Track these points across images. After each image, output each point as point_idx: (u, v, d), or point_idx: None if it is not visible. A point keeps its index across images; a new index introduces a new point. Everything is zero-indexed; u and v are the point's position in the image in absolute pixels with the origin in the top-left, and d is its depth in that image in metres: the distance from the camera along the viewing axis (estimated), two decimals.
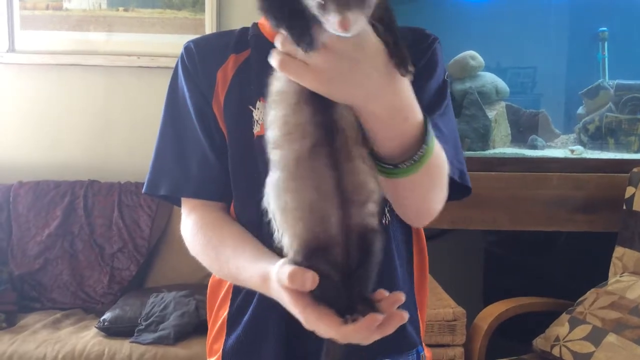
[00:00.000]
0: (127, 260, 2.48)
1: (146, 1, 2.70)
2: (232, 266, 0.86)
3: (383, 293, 0.70)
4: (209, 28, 2.67)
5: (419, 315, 1.04)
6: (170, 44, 2.70)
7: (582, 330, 1.84)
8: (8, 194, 2.53)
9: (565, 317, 1.94)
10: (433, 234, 2.53)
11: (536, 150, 2.46)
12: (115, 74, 2.72)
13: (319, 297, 0.67)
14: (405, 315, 0.67)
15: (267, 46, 0.87)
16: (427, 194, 0.82)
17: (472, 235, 2.61)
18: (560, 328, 1.91)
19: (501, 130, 2.48)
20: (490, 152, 2.41)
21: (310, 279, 0.65)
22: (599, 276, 2.10)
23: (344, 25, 0.59)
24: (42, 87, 2.73)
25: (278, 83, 0.68)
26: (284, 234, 0.69)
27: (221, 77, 0.94)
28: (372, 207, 0.69)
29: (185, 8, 2.70)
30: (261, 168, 0.81)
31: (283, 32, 0.65)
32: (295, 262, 0.68)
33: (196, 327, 2.14)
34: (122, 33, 2.71)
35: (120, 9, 2.71)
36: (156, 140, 0.99)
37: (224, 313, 0.99)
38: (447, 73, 0.97)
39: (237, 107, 0.93)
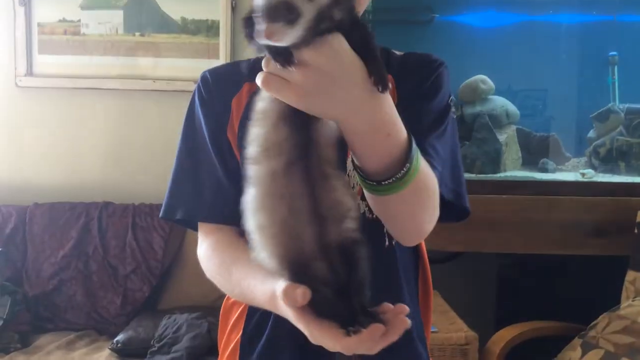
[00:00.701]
0: (140, 281, 2.50)
1: (162, 26, 2.76)
2: (244, 286, 0.87)
3: (387, 306, 0.70)
4: (223, 52, 2.72)
5: (425, 333, 1.05)
6: (185, 68, 2.75)
7: (595, 355, 1.84)
8: (24, 215, 2.56)
9: (577, 341, 1.93)
10: (446, 256, 2.54)
11: (547, 174, 2.47)
12: (131, 98, 2.77)
13: (319, 312, 0.68)
14: (408, 322, 0.68)
15: None
16: (414, 213, 0.83)
17: (484, 258, 2.61)
18: (572, 352, 1.90)
19: (512, 153, 2.49)
20: (501, 175, 2.43)
21: (301, 295, 0.66)
22: (612, 300, 2.10)
23: (268, 35, 0.61)
24: (59, 110, 2.79)
25: (262, 103, 0.70)
26: (261, 251, 0.70)
27: (235, 105, 0.97)
28: (350, 223, 0.70)
29: (200, 33, 2.75)
30: None
31: (264, 58, 0.67)
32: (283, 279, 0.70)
33: (209, 350, 2.14)
34: (138, 57, 2.77)
35: (137, 34, 2.77)
36: (173, 166, 1.02)
37: (237, 336, 1.00)
38: (451, 98, 0.99)
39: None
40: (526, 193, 2.30)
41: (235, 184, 0.95)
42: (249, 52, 2.64)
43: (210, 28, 2.75)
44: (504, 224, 2.27)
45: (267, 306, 0.81)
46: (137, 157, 2.78)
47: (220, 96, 0.98)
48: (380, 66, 0.68)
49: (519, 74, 2.66)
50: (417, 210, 0.82)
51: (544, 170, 2.49)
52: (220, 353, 1.04)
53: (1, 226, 2.54)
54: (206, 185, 0.98)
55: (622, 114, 2.50)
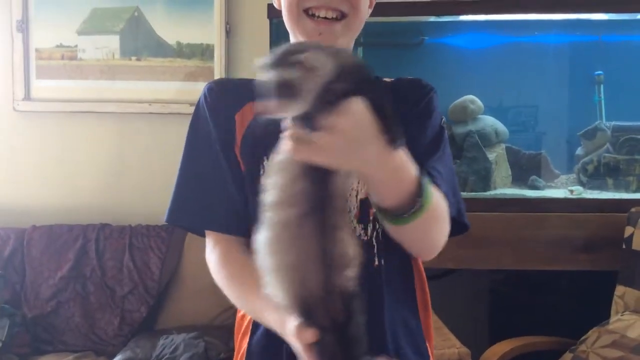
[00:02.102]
0: (137, 302, 2.53)
1: (157, 51, 2.81)
2: (256, 306, 0.92)
3: None
4: (218, 75, 2.77)
5: (428, 345, 1.09)
6: (181, 91, 2.80)
7: None
8: (22, 237, 2.59)
9: (568, 355, 1.97)
10: (438, 273, 2.57)
11: (537, 191, 2.52)
12: (128, 120, 2.82)
13: (321, 354, 0.74)
14: None
15: None
16: (430, 234, 0.91)
17: (477, 275, 2.65)
18: None
19: (502, 171, 2.54)
20: (491, 193, 2.47)
21: (311, 335, 0.74)
22: (602, 314, 2.14)
23: (273, 110, 0.69)
24: (56, 134, 2.83)
25: (281, 156, 0.75)
26: (272, 289, 0.76)
27: (239, 120, 1.02)
28: (350, 272, 0.75)
29: (194, 57, 2.81)
30: None
31: (289, 127, 0.73)
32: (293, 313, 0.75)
33: None
34: (134, 81, 2.82)
35: (133, 58, 2.82)
36: (178, 171, 1.05)
37: (244, 346, 1.04)
38: (443, 120, 1.05)
39: (251, 156, 1.00)
40: (516, 210, 2.35)
41: (242, 194, 1.00)
42: (242, 74, 2.71)
43: (205, 52, 2.80)
44: (495, 241, 2.31)
45: (275, 329, 0.86)
46: (133, 179, 2.82)
47: (225, 107, 1.03)
48: (393, 124, 0.75)
49: (508, 94, 2.72)
50: (433, 231, 0.91)
51: (534, 187, 2.53)
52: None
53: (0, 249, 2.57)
54: (216, 193, 1.01)
55: (609, 132, 2.56)
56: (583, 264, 2.29)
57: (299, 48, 0.71)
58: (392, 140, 0.75)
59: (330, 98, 0.70)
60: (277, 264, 0.73)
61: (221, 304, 2.53)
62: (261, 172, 0.98)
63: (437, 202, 0.87)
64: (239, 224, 1.01)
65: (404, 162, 0.80)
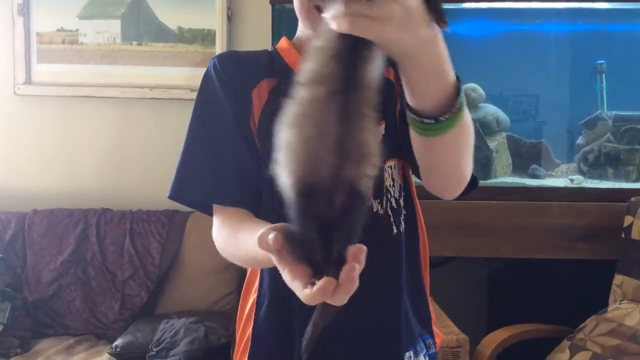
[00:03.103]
0: (138, 286, 2.54)
1: (159, 36, 2.80)
2: (247, 245, 0.86)
3: (360, 250, 0.69)
4: None
5: (431, 310, 1.10)
6: (182, 77, 2.80)
7: (583, 357, 1.89)
8: (23, 222, 2.60)
9: (566, 343, 1.98)
10: (438, 261, 2.59)
11: (537, 180, 2.52)
12: (129, 106, 2.81)
13: (296, 251, 0.70)
14: (356, 282, 0.67)
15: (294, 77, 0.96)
16: (460, 156, 0.86)
17: (475, 263, 2.66)
18: (561, 354, 1.95)
19: (502, 160, 2.55)
20: (492, 182, 2.48)
21: (272, 240, 0.68)
22: (601, 303, 2.15)
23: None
24: (57, 118, 2.83)
25: (318, 42, 0.73)
26: (282, 169, 0.72)
27: (256, 98, 0.97)
28: (367, 168, 0.72)
29: (196, 42, 2.80)
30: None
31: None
32: (289, 199, 0.72)
33: (205, 353, 2.18)
34: (135, 66, 2.81)
35: (134, 43, 2.81)
36: (184, 145, 0.99)
37: (249, 330, 1.03)
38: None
39: (269, 137, 0.97)
40: (516, 199, 2.35)
41: (257, 170, 0.95)
42: None
43: (206, 37, 2.79)
44: (495, 229, 2.32)
45: (263, 256, 0.80)
46: (134, 164, 2.82)
47: (241, 82, 0.97)
48: (439, 5, 0.72)
49: (509, 82, 2.72)
50: (463, 151, 0.86)
51: (534, 176, 2.54)
52: (236, 345, 1.07)
53: (1, 233, 2.58)
54: (229, 166, 0.96)
55: (610, 121, 2.56)
56: (582, 253, 2.30)
57: None
58: (441, 19, 0.72)
59: None
60: (293, 137, 0.71)
61: (221, 289, 2.54)
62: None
63: (468, 114, 0.82)
64: (253, 198, 0.96)
65: (446, 54, 0.76)
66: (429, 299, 1.12)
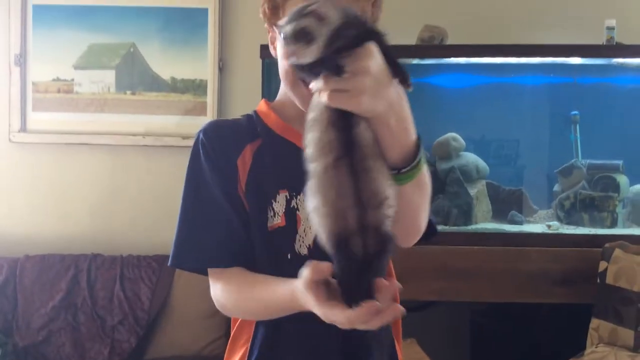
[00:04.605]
0: (127, 332, 2.57)
1: (152, 85, 2.90)
2: (265, 297, 0.98)
3: (382, 282, 0.83)
4: (210, 110, 2.86)
5: (397, 348, 1.14)
6: (174, 125, 2.89)
7: None
8: (15, 267, 2.64)
9: None
10: (421, 305, 2.65)
11: (516, 226, 2.62)
12: (121, 153, 2.89)
13: (338, 281, 0.83)
14: (399, 310, 0.81)
15: (276, 139, 1.07)
16: (417, 207, 0.96)
17: (459, 307, 2.72)
18: None
19: (483, 206, 2.65)
20: (472, 227, 2.57)
21: (326, 266, 0.81)
22: (581, 345, 2.22)
23: (292, 54, 0.79)
24: (51, 165, 2.90)
25: (312, 113, 0.85)
26: (318, 230, 0.84)
27: (241, 165, 1.06)
28: (387, 210, 0.84)
29: (188, 92, 2.90)
30: (277, 257, 1.00)
31: (321, 77, 0.81)
32: (330, 251, 0.84)
33: None
34: (128, 114, 2.90)
35: (128, 92, 2.91)
36: (179, 215, 1.08)
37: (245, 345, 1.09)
38: None
39: (257, 198, 1.05)
40: (497, 244, 2.45)
41: (247, 230, 1.05)
42: (234, 109, 2.80)
43: (198, 87, 2.90)
44: (476, 274, 2.40)
45: (287, 303, 0.92)
46: (125, 210, 2.88)
47: (226, 153, 1.06)
48: (402, 68, 0.83)
49: (488, 132, 2.84)
50: (420, 203, 0.96)
51: (513, 222, 2.64)
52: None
53: None
54: (218, 232, 1.04)
55: (584, 169, 2.68)
56: (560, 297, 2.38)
57: (310, 3, 0.81)
58: (405, 81, 0.84)
59: (344, 43, 0.78)
60: (318, 202, 0.83)
61: (210, 334, 2.58)
62: (270, 213, 1.04)
63: (426, 171, 0.93)
64: (242, 258, 1.05)
65: (410, 113, 0.87)
66: (398, 347, 1.16)
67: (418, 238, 1.04)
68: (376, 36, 0.82)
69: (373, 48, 0.80)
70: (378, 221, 0.83)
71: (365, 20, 0.85)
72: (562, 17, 2.77)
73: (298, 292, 0.87)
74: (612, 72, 2.76)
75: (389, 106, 0.82)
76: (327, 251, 0.84)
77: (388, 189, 0.85)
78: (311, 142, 0.84)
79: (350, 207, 0.81)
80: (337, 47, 0.78)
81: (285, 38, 0.79)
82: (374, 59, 0.79)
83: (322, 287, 0.83)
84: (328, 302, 0.82)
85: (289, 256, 1.03)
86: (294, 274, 0.87)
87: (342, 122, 0.82)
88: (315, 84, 0.81)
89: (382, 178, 0.84)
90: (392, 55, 0.83)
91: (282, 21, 0.81)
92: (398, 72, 0.83)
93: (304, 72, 0.82)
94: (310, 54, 0.78)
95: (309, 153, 0.84)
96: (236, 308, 1.06)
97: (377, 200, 0.83)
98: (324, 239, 0.84)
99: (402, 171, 0.88)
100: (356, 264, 0.82)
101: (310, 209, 0.85)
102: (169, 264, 1.08)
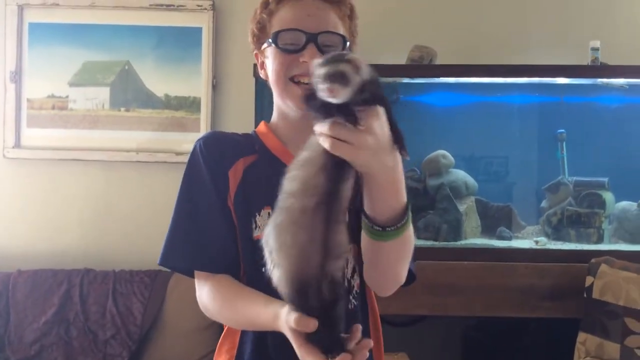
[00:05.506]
0: (119, 346, 2.58)
1: (146, 102, 2.94)
2: (248, 313, 1.03)
3: (358, 329, 0.90)
4: (204, 127, 2.90)
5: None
6: (167, 141, 2.92)
7: None
8: (7, 282, 2.64)
9: None
10: (412, 320, 2.68)
11: (504, 241, 2.66)
12: (114, 168, 2.91)
13: (308, 336, 0.87)
14: (366, 355, 0.86)
15: (272, 158, 1.12)
16: (397, 262, 1.03)
17: (449, 321, 2.76)
18: None
19: (472, 222, 2.69)
20: (462, 243, 2.61)
21: (312, 323, 0.85)
22: (569, 359, 2.26)
23: (330, 91, 0.82)
24: (45, 180, 2.91)
25: (307, 153, 0.90)
26: (276, 268, 0.88)
27: (232, 177, 1.12)
28: (341, 262, 0.90)
29: (182, 109, 2.94)
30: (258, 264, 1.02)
31: (329, 121, 0.85)
32: (288, 298, 0.89)
33: None
34: (122, 131, 2.93)
35: (122, 109, 2.94)
36: (172, 217, 1.13)
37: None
38: None
39: (244, 209, 1.11)
40: (485, 259, 2.48)
41: (234, 240, 1.11)
42: (227, 126, 2.84)
43: (192, 104, 2.94)
44: (466, 289, 2.44)
45: (269, 325, 0.97)
46: (118, 225, 2.90)
47: (220, 163, 1.13)
48: (402, 136, 0.89)
49: (477, 149, 2.89)
50: (401, 259, 1.02)
51: (502, 238, 2.68)
52: None
53: None
54: (208, 236, 1.10)
55: (571, 186, 2.74)
56: (548, 312, 2.42)
57: (344, 53, 0.89)
58: (403, 149, 0.90)
59: (365, 97, 0.84)
60: (289, 241, 0.87)
61: (202, 348, 2.59)
62: (253, 225, 1.09)
63: (411, 230, 0.99)
64: (229, 265, 1.11)
65: (402, 179, 0.93)
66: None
67: (394, 289, 1.09)
68: (386, 102, 0.88)
69: (382, 111, 0.86)
70: (335, 270, 0.88)
71: (381, 85, 0.91)
72: (549, 38, 2.85)
73: (280, 322, 0.92)
74: (597, 91, 2.82)
75: (383, 168, 0.88)
76: (281, 291, 0.89)
77: (347, 243, 0.91)
78: (298, 178, 0.89)
79: (316, 253, 0.86)
80: (363, 99, 0.84)
81: (325, 75, 0.83)
82: (381, 122, 0.85)
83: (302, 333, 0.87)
84: (306, 345, 0.87)
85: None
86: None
87: (335, 172, 0.87)
88: (320, 127, 0.86)
89: (345, 233, 0.90)
90: (395, 124, 0.89)
91: (319, 60, 0.86)
92: (398, 140, 0.89)
93: (318, 109, 0.86)
94: (343, 95, 0.82)
95: (291, 188, 0.88)
96: (219, 314, 1.10)
97: (339, 251, 0.88)
98: (284, 280, 0.88)
99: (387, 229, 0.94)
100: (315, 313, 0.87)
101: (274, 245, 0.88)
102: (158, 262, 1.13)
